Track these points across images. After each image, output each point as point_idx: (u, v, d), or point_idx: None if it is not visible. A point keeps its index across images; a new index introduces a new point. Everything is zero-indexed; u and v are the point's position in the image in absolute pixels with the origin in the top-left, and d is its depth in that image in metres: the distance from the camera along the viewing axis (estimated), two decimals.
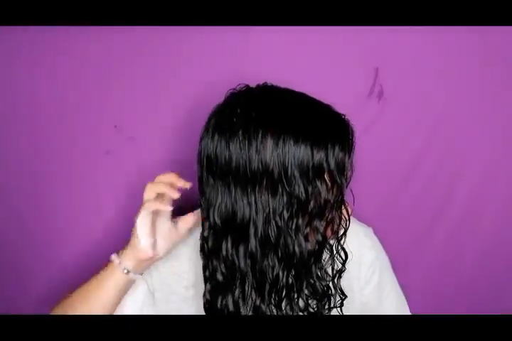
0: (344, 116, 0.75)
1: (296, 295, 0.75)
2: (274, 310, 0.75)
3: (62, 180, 1.00)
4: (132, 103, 0.98)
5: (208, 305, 0.77)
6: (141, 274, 0.80)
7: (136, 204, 1.03)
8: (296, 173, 0.69)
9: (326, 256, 0.76)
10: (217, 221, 0.73)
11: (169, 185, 0.75)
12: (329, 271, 0.78)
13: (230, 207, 0.71)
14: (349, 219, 0.75)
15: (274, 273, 0.73)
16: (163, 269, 0.83)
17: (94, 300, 0.78)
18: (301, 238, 0.72)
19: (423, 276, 1.08)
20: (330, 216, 0.73)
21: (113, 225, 1.02)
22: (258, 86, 0.76)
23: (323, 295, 0.76)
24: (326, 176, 0.70)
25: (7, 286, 1.04)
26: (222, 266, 0.74)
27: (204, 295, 0.77)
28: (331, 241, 0.76)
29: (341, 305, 0.79)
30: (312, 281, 0.75)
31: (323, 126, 0.71)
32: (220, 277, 0.75)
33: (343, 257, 0.78)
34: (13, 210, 1.00)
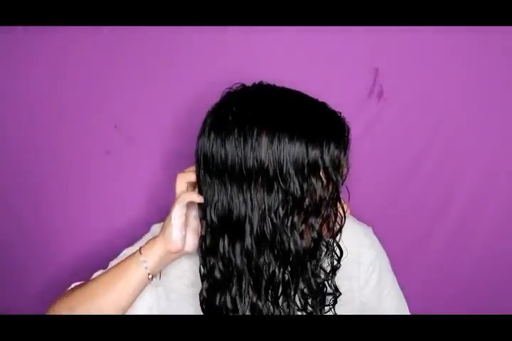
0: (340, 113, 0.75)
1: (292, 292, 0.75)
2: (271, 308, 0.75)
3: (62, 180, 1.00)
4: (132, 103, 0.98)
5: (206, 303, 0.77)
6: (159, 277, 0.80)
7: (136, 204, 1.03)
8: (292, 170, 0.69)
9: (322, 253, 0.76)
10: (214, 219, 0.73)
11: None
12: (326, 268, 0.78)
13: (226, 205, 0.72)
14: (344, 217, 0.75)
15: (270, 270, 0.73)
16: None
17: (120, 289, 0.77)
18: (297, 235, 0.72)
19: (423, 276, 1.07)
20: (325, 213, 0.73)
21: (113, 225, 1.03)
22: (254, 85, 0.76)
23: (318, 292, 0.76)
24: (321, 173, 0.71)
25: (6, 286, 1.04)
26: (220, 263, 0.74)
27: (201, 293, 0.77)
28: (328, 239, 0.76)
29: (334, 302, 0.79)
30: (308, 278, 0.75)
31: (319, 124, 0.71)
32: (217, 275, 0.75)
33: (338, 254, 0.78)
34: (12, 210, 1.01)
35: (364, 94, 0.99)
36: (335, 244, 0.77)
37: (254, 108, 0.71)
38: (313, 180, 0.70)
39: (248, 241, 0.72)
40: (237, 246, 0.73)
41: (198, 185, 0.76)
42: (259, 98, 0.72)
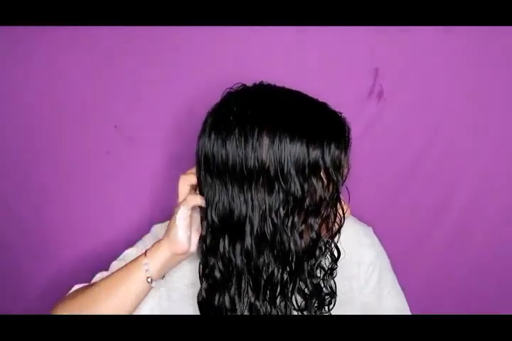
0: (340, 113, 0.75)
1: (290, 292, 0.75)
2: (269, 307, 0.75)
3: (62, 181, 1.00)
4: (132, 103, 0.98)
5: (204, 303, 0.77)
6: (162, 278, 0.80)
7: (136, 205, 1.03)
8: (292, 171, 0.69)
9: (320, 253, 0.76)
10: (215, 219, 0.73)
11: None
12: (325, 268, 0.78)
13: (227, 205, 0.72)
14: (344, 217, 0.75)
15: (270, 270, 0.73)
16: None
17: (123, 293, 0.76)
18: (297, 235, 0.72)
19: (423, 276, 1.07)
20: (325, 213, 0.73)
21: (113, 225, 1.03)
22: (254, 85, 0.76)
23: (314, 293, 0.76)
24: (322, 174, 0.71)
25: (6, 286, 1.04)
26: (220, 263, 0.74)
27: (199, 293, 0.77)
28: (326, 239, 0.76)
29: (329, 303, 0.79)
30: (304, 278, 0.75)
31: (319, 124, 0.71)
32: (217, 274, 0.75)
33: (336, 255, 0.78)
34: (12, 210, 1.01)
35: (364, 94, 0.99)
36: (333, 245, 0.77)
37: (255, 108, 0.71)
38: (314, 181, 0.70)
39: (248, 241, 0.72)
40: (237, 246, 0.73)
41: (199, 185, 0.76)
42: (260, 98, 0.72)
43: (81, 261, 1.02)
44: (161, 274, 0.78)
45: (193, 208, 0.77)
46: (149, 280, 0.76)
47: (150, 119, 0.98)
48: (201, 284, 0.77)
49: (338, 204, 0.74)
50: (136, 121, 0.98)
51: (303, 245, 0.73)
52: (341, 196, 0.74)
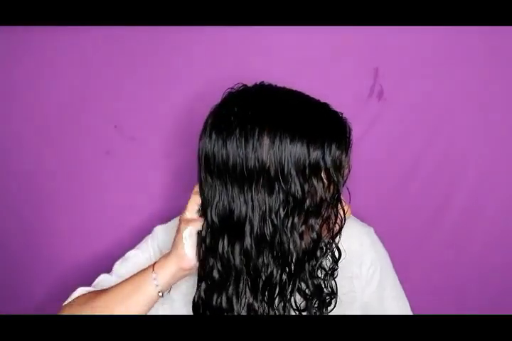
0: (341, 114, 0.75)
1: (289, 294, 0.75)
2: (267, 308, 0.75)
3: (62, 181, 1.00)
4: (132, 103, 0.98)
5: (202, 303, 0.77)
6: (169, 292, 0.80)
7: (136, 205, 1.03)
8: (293, 171, 0.69)
9: (321, 254, 0.76)
10: (215, 219, 0.73)
11: None
12: (326, 268, 0.78)
13: (227, 206, 0.72)
14: (344, 218, 0.75)
15: (269, 271, 0.73)
16: None
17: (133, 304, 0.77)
18: (297, 236, 0.72)
19: (423, 276, 1.07)
20: (326, 214, 0.73)
21: (113, 225, 1.03)
22: (255, 85, 0.76)
23: (315, 293, 0.76)
24: (322, 174, 0.70)
25: (6, 286, 1.04)
26: (219, 264, 0.74)
27: (197, 293, 0.77)
28: (327, 240, 0.76)
29: (329, 304, 0.79)
30: (305, 279, 0.75)
31: (320, 124, 0.71)
32: (216, 275, 0.75)
33: (337, 255, 0.78)
34: (14, 211, 1.01)
35: (364, 94, 0.99)
36: (333, 245, 0.77)
37: (255, 108, 0.71)
38: (315, 181, 0.70)
39: (248, 241, 0.72)
40: (237, 247, 0.73)
41: (199, 186, 0.75)
42: (261, 98, 0.72)
43: (81, 261, 1.02)
44: (169, 287, 0.79)
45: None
46: (160, 294, 0.77)
47: (150, 119, 0.98)
48: (199, 285, 0.77)
49: (339, 205, 0.74)
50: (136, 121, 0.99)
51: (303, 246, 0.72)
52: (342, 196, 0.74)
